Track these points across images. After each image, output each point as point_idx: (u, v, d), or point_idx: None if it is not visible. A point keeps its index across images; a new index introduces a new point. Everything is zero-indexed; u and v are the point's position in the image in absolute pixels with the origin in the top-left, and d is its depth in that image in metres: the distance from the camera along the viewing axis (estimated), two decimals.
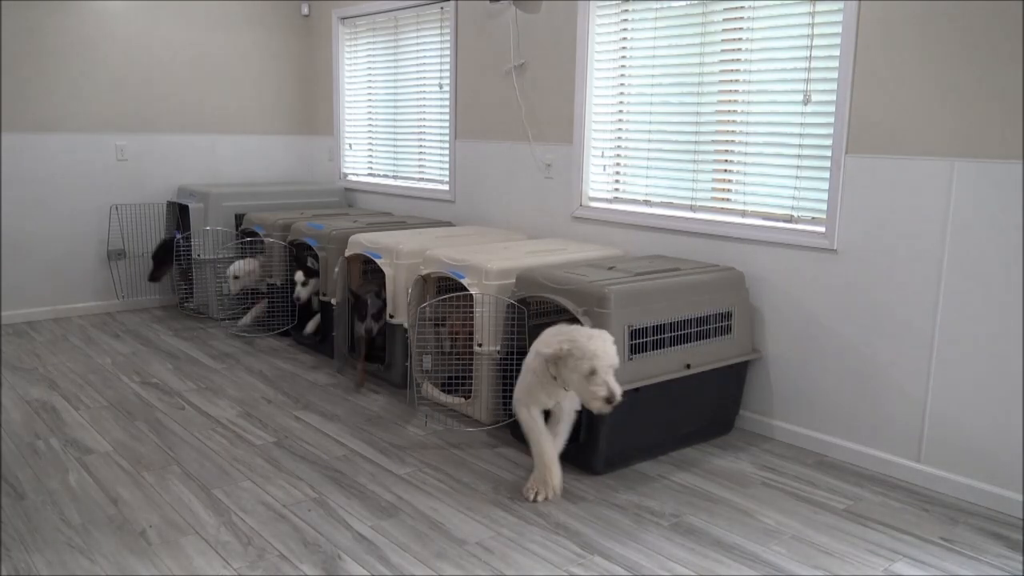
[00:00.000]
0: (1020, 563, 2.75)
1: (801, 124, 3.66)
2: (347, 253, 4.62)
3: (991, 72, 3.04)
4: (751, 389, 3.90)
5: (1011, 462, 3.10)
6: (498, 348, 3.66)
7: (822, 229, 3.60)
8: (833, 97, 3.51)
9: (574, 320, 3.32)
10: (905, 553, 2.80)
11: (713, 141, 4.01)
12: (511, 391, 3.30)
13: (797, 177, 3.70)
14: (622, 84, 4.40)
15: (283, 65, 6.67)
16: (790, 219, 3.74)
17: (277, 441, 3.63)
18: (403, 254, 4.26)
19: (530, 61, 4.82)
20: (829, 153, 3.54)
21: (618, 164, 4.49)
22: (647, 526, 2.94)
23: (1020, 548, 2.85)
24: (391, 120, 6.12)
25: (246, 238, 5.51)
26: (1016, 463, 3.09)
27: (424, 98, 5.77)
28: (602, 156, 4.55)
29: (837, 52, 3.47)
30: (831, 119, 3.52)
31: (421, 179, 5.91)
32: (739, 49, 3.85)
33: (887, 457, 3.45)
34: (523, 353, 3.24)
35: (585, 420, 3.30)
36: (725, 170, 3.99)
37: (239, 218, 5.74)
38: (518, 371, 3.24)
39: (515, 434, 3.67)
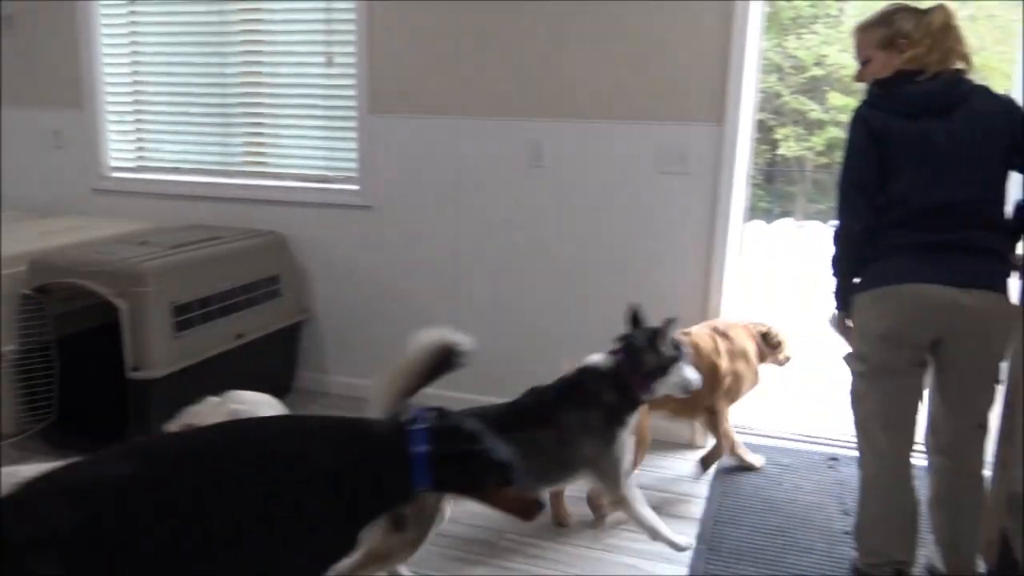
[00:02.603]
0: None
1: (326, 85, 3.74)
2: None
3: (482, 43, 3.42)
4: (306, 348, 3.97)
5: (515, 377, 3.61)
6: (13, 347, 3.19)
7: (356, 187, 3.75)
8: (353, 60, 3.64)
9: (108, 305, 3.04)
10: None
11: (241, 103, 3.91)
12: (36, 394, 2.92)
13: (327, 138, 3.80)
14: (135, 43, 4.05)
15: None
16: (325, 179, 3.83)
17: None
18: None
19: (19, 14, 4.18)
20: (355, 113, 3.68)
21: (140, 130, 4.16)
22: None
23: None
24: None
25: None
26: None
27: None
28: (121, 121, 4.17)
29: (353, 15, 3.60)
30: (353, 80, 3.66)
31: None
32: (259, 9, 3.78)
33: (437, 392, 3.76)
34: (46, 349, 2.87)
35: (135, 407, 3.07)
36: (257, 133, 3.93)
37: None
38: (42, 369, 2.86)
39: (50, 440, 3.25)
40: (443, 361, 2.08)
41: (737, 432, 3.18)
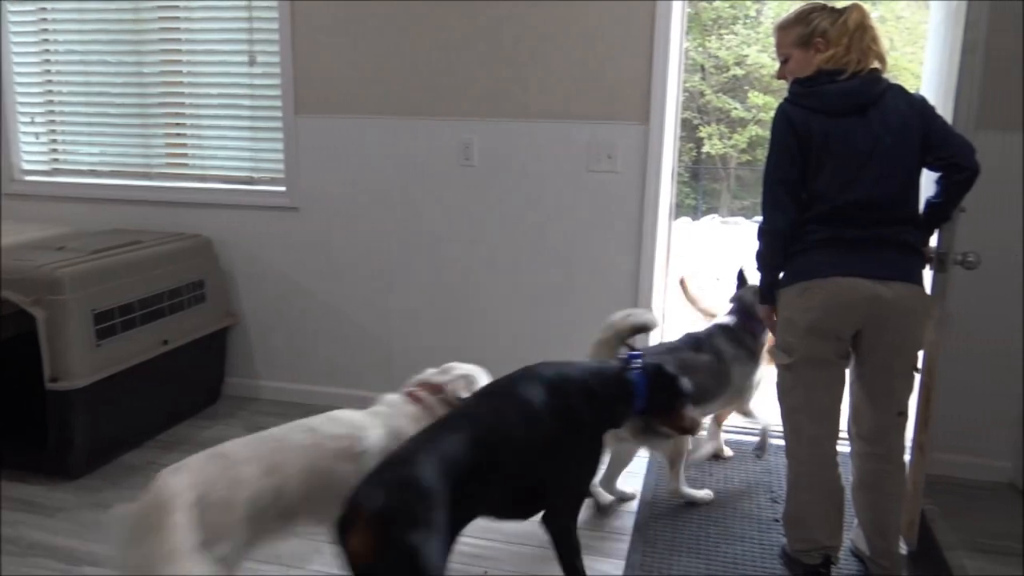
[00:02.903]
0: None
1: (250, 86, 3.67)
2: None
3: (408, 43, 3.40)
4: (233, 354, 3.88)
5: None
6: None
7: (283, 189, 3.68)
8: (278, 59, 3.57)
9: (25, 314, 2.92)
10: None
11: (161, 104, 3.80)
12: None
13: (252, 139, 3.72)
14: (46, 40, 3.89)
15: None
16: (250, 181, 3.75)
17: None
18: None
19: None
20: (280, 114, 3.62)
21: (54, 131, 4.00)
22: None
23: None
24: None
25: None
26: None
27: None
28: (32, 122, 4.01)
29: (276, 14, 3.53)
30: (277, 80, 3.59)
31: None
32: (176, 6, 3.68)
33: (364, 394, 3.72)
34: None
35: (55, 419, 2.96)
36: (178, 134, 3.82)
37: None
38: None
39: None
40: (640, 329, 2.76)
41: None
